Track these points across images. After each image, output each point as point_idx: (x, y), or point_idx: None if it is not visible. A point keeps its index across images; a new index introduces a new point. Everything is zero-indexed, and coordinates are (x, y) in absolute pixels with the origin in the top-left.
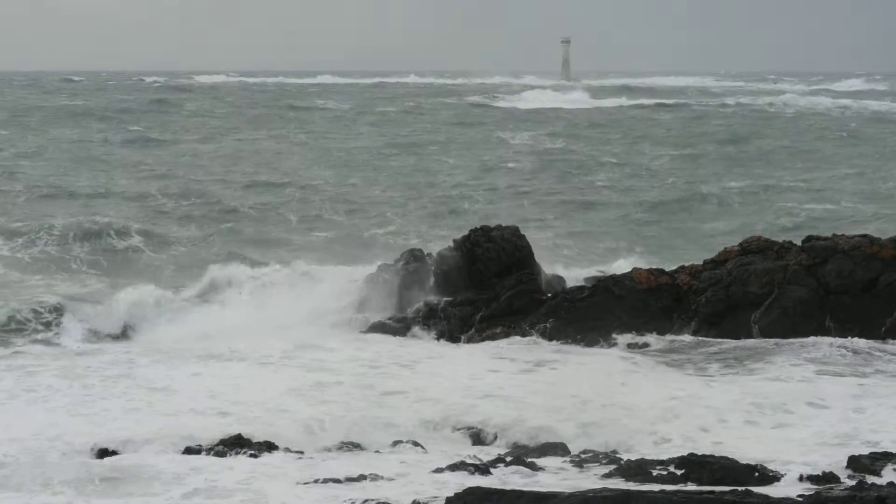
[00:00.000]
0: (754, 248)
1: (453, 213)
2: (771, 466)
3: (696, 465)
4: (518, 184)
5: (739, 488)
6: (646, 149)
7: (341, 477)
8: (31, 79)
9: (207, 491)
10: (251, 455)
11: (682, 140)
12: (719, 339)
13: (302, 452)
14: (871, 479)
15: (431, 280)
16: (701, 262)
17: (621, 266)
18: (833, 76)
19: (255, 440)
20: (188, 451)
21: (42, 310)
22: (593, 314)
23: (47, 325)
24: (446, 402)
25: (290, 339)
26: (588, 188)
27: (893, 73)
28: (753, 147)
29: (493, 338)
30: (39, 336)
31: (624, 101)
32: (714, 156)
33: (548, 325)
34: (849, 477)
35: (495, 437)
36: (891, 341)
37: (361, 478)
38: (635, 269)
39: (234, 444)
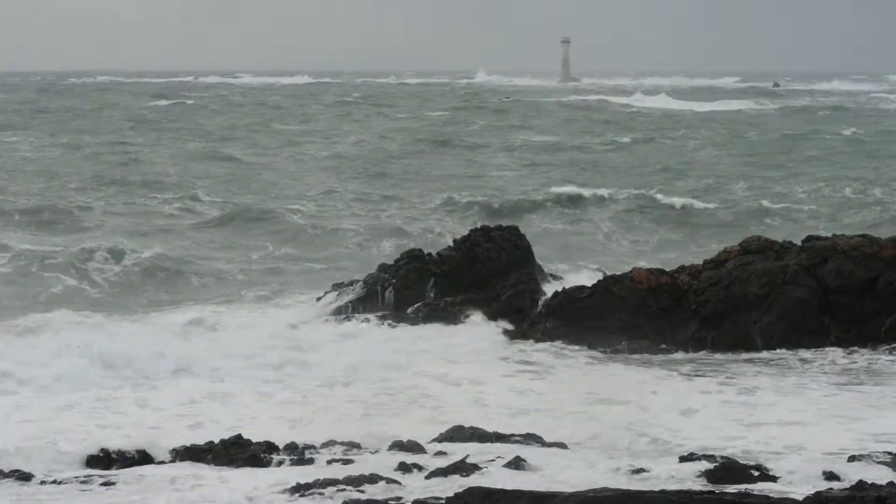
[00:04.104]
0: (754, 248)
1: None
2: (771, 466)
3: (695, 465)
4: None
5: (739, 488)
6: None
7: (340, 477)
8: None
9: (207, 492)
10: (251, 456)
11: None
12: (720, 339)
13: (301, 453)
14: (871, 478)
15: (431, 280)
16: (701, 263)
17: None
18: (835, 76)
19: (255, 441)
20: (188, 451)
21: None
22: (593, 314)
23: None
24: (446, 402)
25: (289, 340)
26: None
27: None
28: None
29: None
30: None
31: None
32: None
33: (548, 324)
34: (849, 476)
35: (495, 437)
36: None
37: (361, 478)
38: (635, 269)
39: (234, 444)
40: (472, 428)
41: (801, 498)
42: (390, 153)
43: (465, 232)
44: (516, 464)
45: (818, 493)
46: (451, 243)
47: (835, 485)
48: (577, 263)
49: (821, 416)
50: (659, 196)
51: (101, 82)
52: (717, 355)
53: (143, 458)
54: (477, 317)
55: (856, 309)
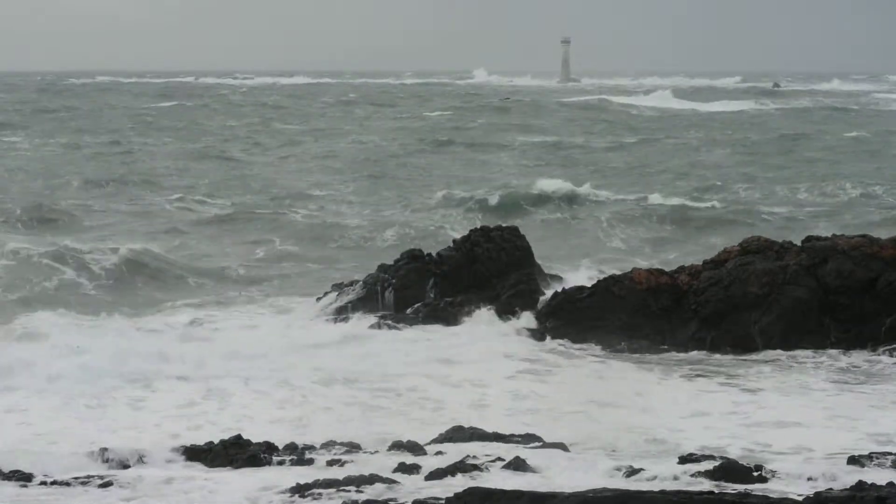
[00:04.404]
0: (754, 248)
1: None
2: (771, 466)
3: (695, 465)
4: None
5: (739, 488)
6: None
7: (340, 477)
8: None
9: (206, 493)
10: (251, 456)
11: None
12: (720, 340)
13: (301, 453)
14: (870, 479)
15: (431, 280)
16: (701, 263)
17: None
18: (835, 76)
19: (254, 441)
20: (187, 452)
21: None
22: (593, 314)
23: None
24: (445, 403)
25: (289, 340)
26: None
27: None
28: None
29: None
30: None
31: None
32: None
33: (548, 325)
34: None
35: (494, 438)
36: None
37: (361, 479)
38: (635, 270)
39: (234, 445)
40: (471, 428)
41: (801, 498)
42: (391, 153)
43: (466, 231)
44: (516, 464)
45: (818, 493)
46: (452, 243)
47: (835, 485)
48: (577, 263)
49: (821, 416)
50: (659, 196)
51: (101, 82)
52: (717, 355)
53: (143, 458)
54: (477, 317)
55: (856, 309)
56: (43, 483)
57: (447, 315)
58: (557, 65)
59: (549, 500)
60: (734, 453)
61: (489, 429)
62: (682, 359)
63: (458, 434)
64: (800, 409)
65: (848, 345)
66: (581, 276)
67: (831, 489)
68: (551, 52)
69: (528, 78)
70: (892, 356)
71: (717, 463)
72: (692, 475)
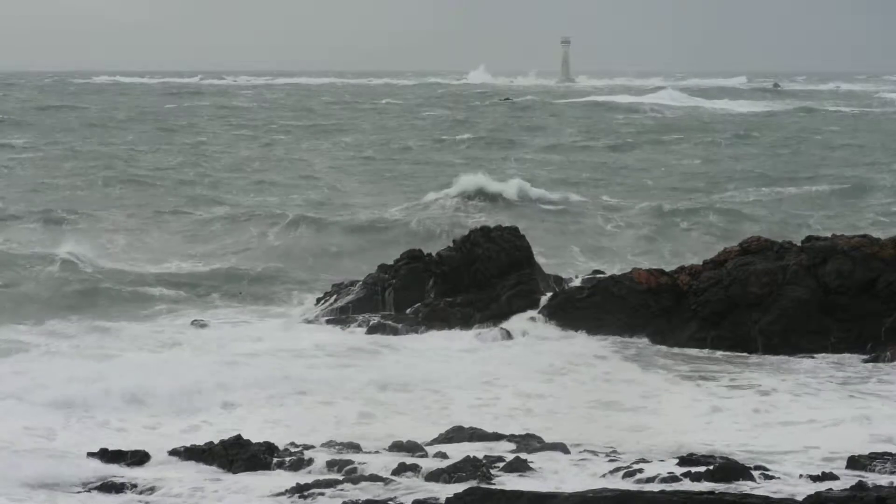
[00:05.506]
0: (754, 248)
1: None
2: (771, 466)
3: (695, 465)
4: None
5: (739, 488)
6: None
7: (340, 477)
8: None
9: (206, 493)
10: (251, 456)
11: None
12: (720, 340)
13: (301, 453)
14: (870, 479)
15: (431, 280)
16: (701, 263)
17: None
18: (835, 76)
19: (254, 441)
20: (187, 452)
21: None
22: (593, 314)
23: None
24: (445, 403)
25: (289, 341)
26: None
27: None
28: None
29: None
30: None
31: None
32: None
33: (548, 325)
34: (849, 476)
35: (494, 438)
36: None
37: (361, 479)
38: (635, 270)
39: (234, 445)
40: (471, 428)
41: (801, 498)
42: (392, 152)
43: (466, 231)
44: (516, 464)
45: (818, 493)
46: (452, 243)
47: (835, 485)
48: (578, 263)
49: (820, 416)
50: (660, 195)
51: (100, 83)
52: (717, 355)
53: (142, 459)
54: (476, 318)
55: (856, 309)
56: (44, 483)
57: (447, 315)
58: (557, 65)
59: (549, 500)
60: (735, 453)
61: (489, 429)
62: (682, 359)
63: (459, 434)
64: (800, 409)
65: (848, 345)
66: (581, 276)
67: (832, 489)
68: (551, 52)
69: (532, 77)
70: (891, 357)
71: (716, 463)
72: (692, 475)
